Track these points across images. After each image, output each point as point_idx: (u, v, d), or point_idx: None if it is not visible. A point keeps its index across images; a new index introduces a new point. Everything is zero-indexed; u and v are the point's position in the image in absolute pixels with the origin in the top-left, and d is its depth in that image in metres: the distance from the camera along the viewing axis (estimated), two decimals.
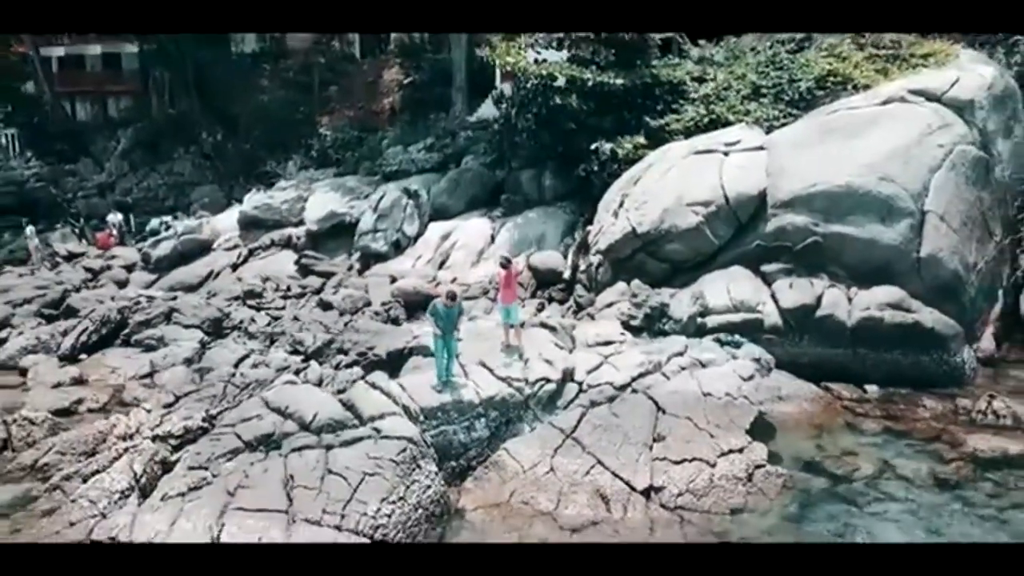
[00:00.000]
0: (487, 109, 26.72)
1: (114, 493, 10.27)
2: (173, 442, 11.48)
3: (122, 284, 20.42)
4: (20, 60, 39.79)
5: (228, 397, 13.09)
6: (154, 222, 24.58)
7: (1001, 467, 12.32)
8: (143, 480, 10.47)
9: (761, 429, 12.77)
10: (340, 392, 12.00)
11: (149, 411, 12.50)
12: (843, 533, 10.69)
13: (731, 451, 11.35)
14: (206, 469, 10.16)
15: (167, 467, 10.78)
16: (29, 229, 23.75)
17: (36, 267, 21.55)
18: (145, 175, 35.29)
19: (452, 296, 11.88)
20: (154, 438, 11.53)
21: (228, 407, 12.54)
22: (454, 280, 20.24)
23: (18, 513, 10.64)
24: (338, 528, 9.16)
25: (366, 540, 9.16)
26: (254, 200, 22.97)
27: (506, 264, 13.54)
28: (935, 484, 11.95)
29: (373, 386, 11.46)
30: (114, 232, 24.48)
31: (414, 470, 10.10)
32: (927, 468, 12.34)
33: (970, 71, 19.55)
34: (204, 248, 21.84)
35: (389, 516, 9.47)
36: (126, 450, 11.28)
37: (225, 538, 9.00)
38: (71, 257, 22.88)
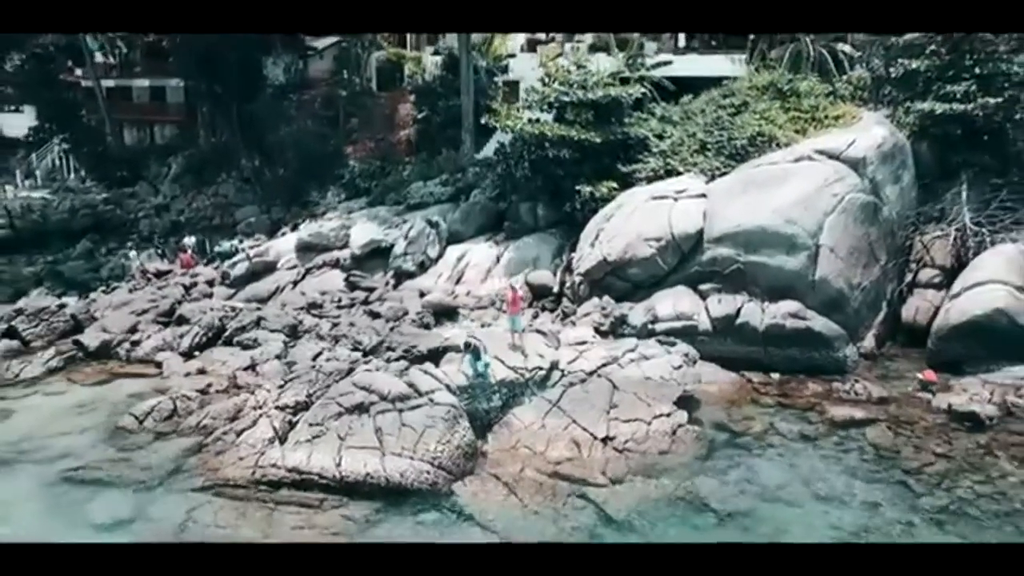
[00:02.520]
0: (491, 148, 32.35)
1: (262, 440, 16.01)
2: (290, 411, 17.21)
3: (208, 297, 26.03)
4: (83, 92, 45.25)
5: (318, 382, 18.72)
6: (224, 244, 30.15)
7: (848, 427, 18.14)
8: (279, 433, 16.20)
9: (689, 402, 18.54)
10: (402, 374, 17.72)
11: (268, 391, 18.22)
12: (735, 466, 16.52)
13: (661, 415, 17.15)
14: (321, 425, 15.91)
15: (292, 425, 16.51)
16: (132, 253, 29.42)
17: (138, 284, 27.14)
18: (194, 197, 40.77)
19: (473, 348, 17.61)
20: (277, 407, 17.26)
21: (319, 388, 18.21)
22: (468, 293, 25.93)
23: (198, 455, 16.38)
24: (411, 458, 14.96)
25: (427, 465, 14.93)
26: (309, 229, 28.65)
27: (513, 289, 19.35)
28: (801, 438, 17.78)
29: (425, 371, 17.29)
30: (193, 253, 30.07)
31: (455, 425, 15.88)
32: (798, 428, 18.16)
33: (866, 132, 25.34)
34: (270, 268, 27.43)
35: (441, 452, 15.25)
36: (260, 416, 17.00)
37: (344, 464, 14.77)
38: (160, 275, 28.39)
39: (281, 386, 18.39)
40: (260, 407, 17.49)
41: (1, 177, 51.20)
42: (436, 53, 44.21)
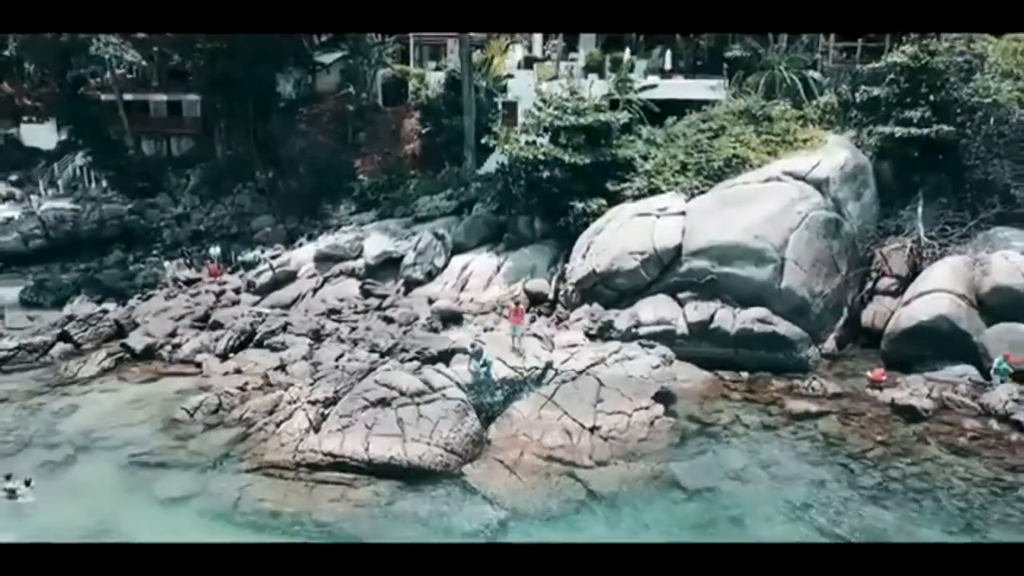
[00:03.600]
0: (492, 165, 35.06)
1: (299, 430, 18.76)
2: (321, 405, 19.93)
3: (236, 304, 28.70)
4: (103, 106, 47.81)
5: (342, 380, 21.43)
6: (248, 255, 32.87)
7: (803, 419, 20.90)
8: (314, 423, 18.93)
9: (665, 397, 21.28)
10: (416, 372, 20.46)
11: (300, 388, 20.96)
12: (703, 452, 19.27)
13: (641, 408, 19.92)
14: (350, 416, 18.64)
15: (324, 417, 19.24)
16: (167, 263, 32.18)
17: (172, 292, 29.81)
18: (212, 207, 43.39)
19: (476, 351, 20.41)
20: (309, 402, 19.99)
21: (345, 386, 20.91)
22: (471, 300, 28.65)
23: (243, 442, 19.10)
24: (427, 444, 17.70)
25: (441, 450, 17.66)
26: (327, 241, 31.36)
27: (516, 304, 22.14)
28: (762, 428, 20.56)
29: (438, 371, 20.06)
30: (219, 262, 32.74)
31: (464, 416, 18.63)
32: (760, 420, 20.94)
33: (830, 154, 28.16)
34: (291, 276, 30.11)
35: (452, 439, 17.99)
36: (296, 409, 19.73)
37: (372, 449, 17.49)
38: (189, 283, 31.08)
39: (311, 384, 21.13)
40: (294, 402, 20.22)
41: (25, 186, 54.00)
42: (438, 69, 47.11)
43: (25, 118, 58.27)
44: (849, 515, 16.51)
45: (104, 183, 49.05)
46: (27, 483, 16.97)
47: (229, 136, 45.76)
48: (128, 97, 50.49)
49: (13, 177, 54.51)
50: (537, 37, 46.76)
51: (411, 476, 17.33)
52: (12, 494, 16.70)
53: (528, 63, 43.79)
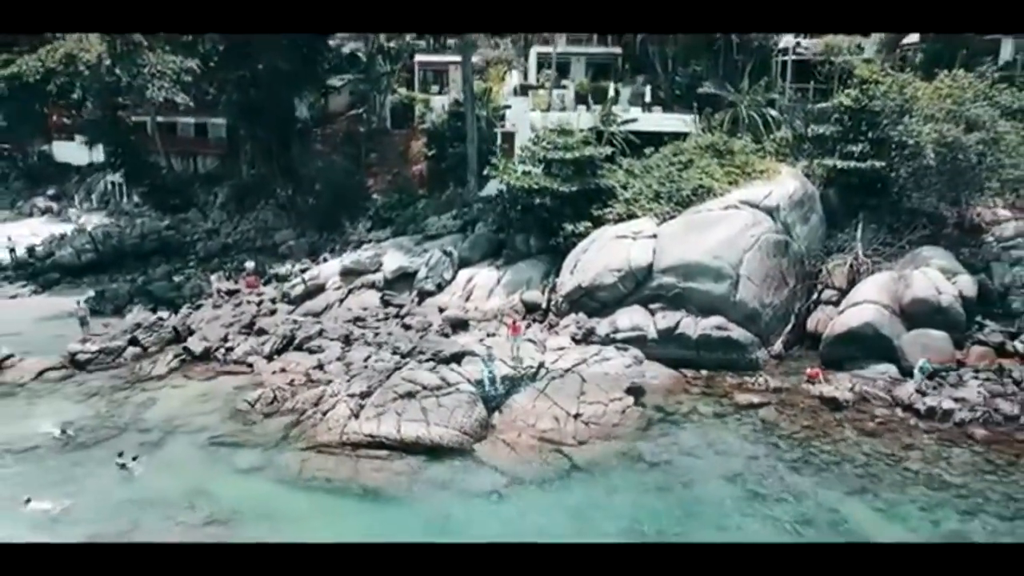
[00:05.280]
0: (492, 187, 39.81)
1: (343, 417, 23.53)
2: (358, 397, 24.71)
3: (273, 313, 33.42)
4: (135, 128, 52.52)
5: (373, 377, 26.18)
6: (281, 268, 37.68)
7: (748, 409, 25.70)
8: (354, 411, 23.73)
9: (636, 391, 26.08)
10: (434, 371, 25.28)
11: (339, 384, 25.74)
12: (664, 434, 24.12)
13: (615, 399, 24.75)
14: (383, 406, 23.47)
15: (362, 407, 24.03)
16: (213, 277, 36.96)
17: (217, 302, 34.50)
18: (238, 222, 48.18)
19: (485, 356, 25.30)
20: (348, 395, 24.79)
21: (376, 382, 25.66)
22: (476, 308, 33.43)
23: (297, 427, 23.89)
24: (446, 427, 22.52)
25: (457, 432, 22.47)
26: (351, 257, 36.15)
27: (515, 321, 27.04)
28: (713, 416, 25.38)
29: (452, 370, 24.90)
30: (255, 275, 37.43)
31: (474, 406, 23.46)
32: (712, 409, 25.77)
33: (781, 184, 33.09)
34: (320, 288, 34.88)
35: (465, 423, 22.81)
36: (338, 401, 24.52)
37: (402, 431, 22.32)
38: (230, 293, 35.82)
39: (348, 380, 25.91)
40: (336, 395, 24.99)
41: (61, 200, 58.79)
42: (441, 93, 52.01)
43: (56, 135, 63.04)
44: (772, 479, 21.42)
45: (136, 198, 53.90)
46: (134, 459, 21.78)
47: (253, 157, 50.47)
48: (159, 119, 55.24)
49: (51, 191, 59.46)
50: (532, 64, 51.85)
51: (434, 452, 22.16)
52: (124, 467, 21.50)
53: (524, 90, 48.78)
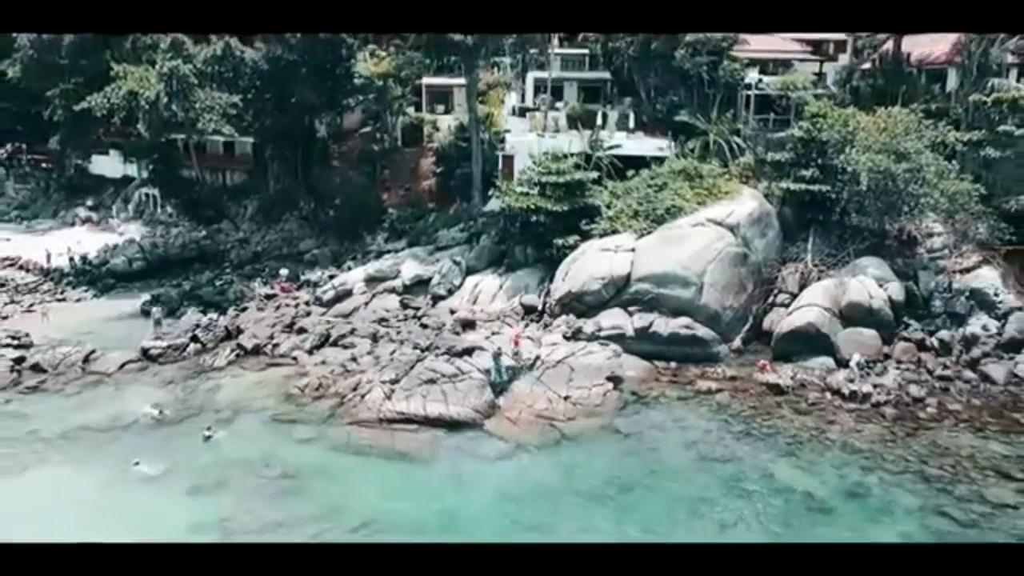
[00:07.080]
0: (494, 203, 45.43)
1: (379, 399, 29.24)
2: (389, 383, 30.41)
3: (308, 315, 39.03)
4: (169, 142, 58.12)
5: (400, 367, 31.82)
6: (311, 276, 43.42)
7: (707, 394, 31.34)
8: (387, 395, 29.44)
9: (615, 379, 31.74)
10: (449, 362, 31.00)
11: (372, 373, 31.43)
12: (637, 413, 29.83)
13: (598, 385, 30.51)
14: (411, 390, 29.20)
15: (393, 391, 29.72)
16: (255, 283, 42.66)
17: (260, 305, 40.13)
18: (266, 232, 53.71)
19: (495, 354, 30.97)
20: (381, 382, 30.48)
21: (402, 372, 31.31)
22: (481, 310, 39.10)
23: (341, 407, 29.56)
24: (461, 407, 28.26)
25: (471, 410, 28.19)
26: (374, 266, 41.84)
27: (517, 335, 32.79)
28: (678, 399, 31.11)
29: (465, 361, 30.65)
30: (288, 282, 43.07)
31: (484, 391, 29.22)
32: (678, 394, 31.46)
33: (742, 204, 38.86)
34: (348, 293, 40.51)
35: (477, 404, 28.55)
36: (372, 387, 30.21)
37: (427, 409, 28.07)
38: (268, 297, 41.47)
39: (379, 371, 31.61)
40: (371, 382, 30.70)
41: (99, 210, 64.23)
42: (446, 112, 57.60)
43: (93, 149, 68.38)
44: (719, 446, 27.18)
45: (169, 209, 59.45)
46: (211, 429, 27.49)
47: (279, 173, 56.05)
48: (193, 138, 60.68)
49: (89, 202, 64.88)
50: (529, 87, 57.64)
51: (452, 426, 27.91)
52: (209, 438, 27.19)
53: (521, 112, 54.54)
